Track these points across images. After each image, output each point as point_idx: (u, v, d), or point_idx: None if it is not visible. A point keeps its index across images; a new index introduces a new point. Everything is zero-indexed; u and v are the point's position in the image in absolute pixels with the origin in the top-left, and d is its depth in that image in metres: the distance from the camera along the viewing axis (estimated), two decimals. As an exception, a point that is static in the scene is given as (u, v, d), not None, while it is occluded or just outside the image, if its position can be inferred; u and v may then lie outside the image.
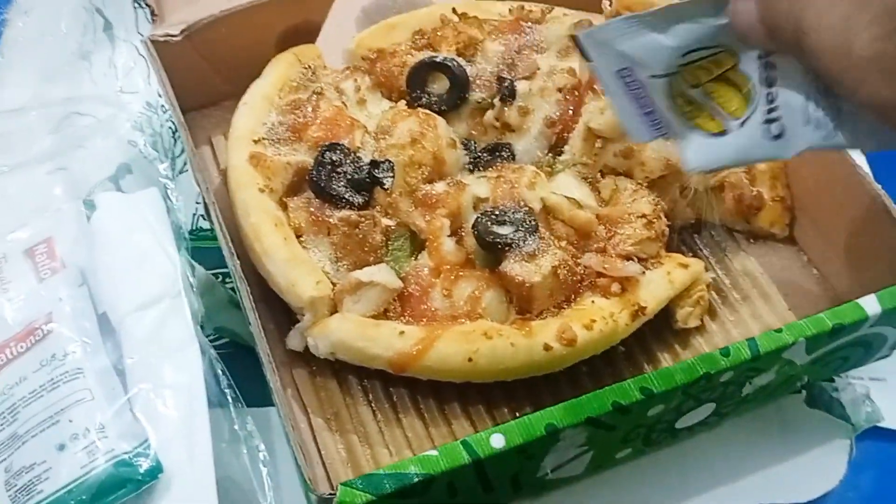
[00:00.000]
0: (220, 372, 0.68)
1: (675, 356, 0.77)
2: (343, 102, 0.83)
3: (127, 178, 0.85)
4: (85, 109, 0.88)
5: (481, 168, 0.81)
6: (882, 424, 0.80)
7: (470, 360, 0.69)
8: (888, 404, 0.80)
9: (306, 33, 0.91)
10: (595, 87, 0.82)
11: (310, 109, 0.81)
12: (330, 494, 0.59)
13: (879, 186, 0.76)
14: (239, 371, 0.73)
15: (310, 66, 0.86)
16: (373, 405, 0.73)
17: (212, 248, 0.78)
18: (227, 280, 0.80)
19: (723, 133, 0.57)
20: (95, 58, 0.96)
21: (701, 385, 0.65)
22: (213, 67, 0.89)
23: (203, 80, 0.89)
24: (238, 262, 0.70)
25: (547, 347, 0.70)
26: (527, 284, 0.71)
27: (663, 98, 0.57)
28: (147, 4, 0.94)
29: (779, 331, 0.67)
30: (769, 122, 0.56)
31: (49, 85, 0.91)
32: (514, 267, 0.72)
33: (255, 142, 0.80)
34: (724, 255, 0.83)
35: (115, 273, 0.71)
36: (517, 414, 0.73)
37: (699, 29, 0.55)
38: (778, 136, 0.56)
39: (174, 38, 0.84)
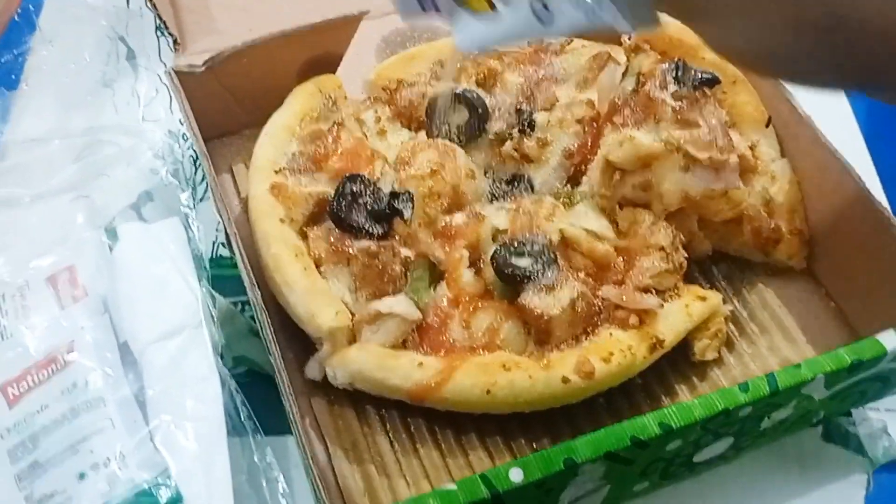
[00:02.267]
0: (239, 403, 0.69)
1: (693, 388, 0.77)
2: (363, 133, 0.84)
3: (148, 205, 0.85)
4: (107, 138, 0.89)
5: (500, 199, 0.82)
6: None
7: (488, 391, 0.70)
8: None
9: (327, 64, 0.92)
10: (614, 119, 0.83)
11: (330, 140, 0.82)
12: (349, 527, 0.59)
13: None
14: (258, 400, 0.74)
15: (331, 97, 0.87)
16: (390, 435, 0.74)
17: (232, 276, 0.78)
18: (247, 309, 0.80)
19: (492, 12, 0.56)
20: (118, 86, 0.97)
21: (720, 420, 0.65)
22: (234, 97, 0.90)
23: (225, 109, 0.90)
24: (258, 291, 0.71)
25: (565, 380, 0.70)
26: (545, 317, 0.72)
27: None
28: (170, 34, 0.96)
29: (798, 367, 0.67)
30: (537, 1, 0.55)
31: (71, 113, 0.92)
32: (532, 299, 0.72)
33: (276, 172, 0.81)
34: (741, 287, 0.83)
35: (137, 302, 0.72)
36: (534, 445, 0.73)
37: None
38: (545, 17, 0.55)
39: (198, 69, 0.85)
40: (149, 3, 0.96)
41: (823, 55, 0.47)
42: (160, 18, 0.95)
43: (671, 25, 0.86)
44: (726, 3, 0.49)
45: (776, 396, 0.66)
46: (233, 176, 0.89)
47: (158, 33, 1.00)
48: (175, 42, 0.96)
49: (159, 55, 1.00)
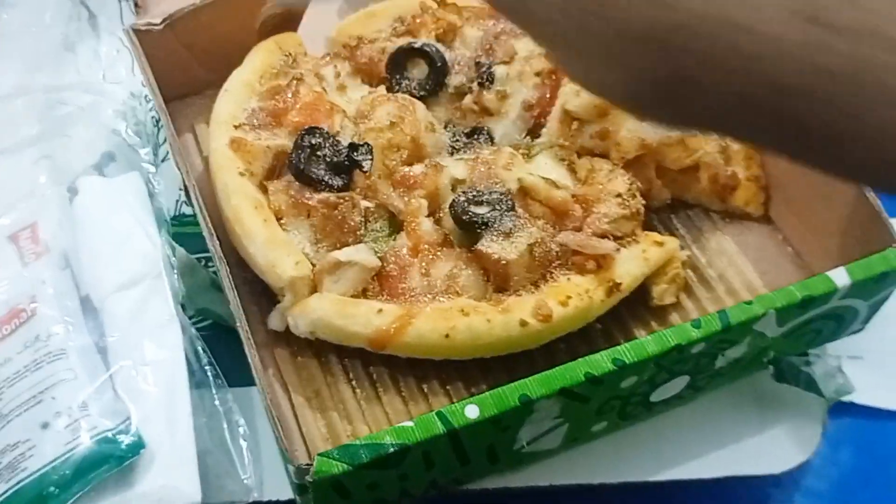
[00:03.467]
0: (200, 350, 0.70)
1: (652, 333, 0.77)
2: (323, 88, 0.84)
3: (111, 165, 0.86)
4: (69, 98, 0.89)
5: (460, 151, 0.82)
6: (859, 401, 0.81)
7: (447, 336, 0.70)
8: (866, 381, 0.81)
9: (288, 22, 0.92)
10: (571, 69, 0.83)
11: (290, 95, 0.82)
12: (307, 465, 0.60)
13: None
14: (222, 352, 0.75)
15: (290, 54, 0.88)
16: (353, 383, 0.74)
17: (194, 233, 0.78)
18: (209, 264, 0.81)
19: None
20: (80, 48, 0.97)
21: (673, 357, 0.66)
22: (194, 56, 0.90)
23: (185, 68, 0.90)
24: (219, 243, 0.71)
25: (523, 323, 0.71)
26: (503, 262, 0.73)
27: None
28: (131, -5, 0.96)
29: (749, 303, 0.68)
30: None
31: (34, 75, 0.92)
32: (490, 245, 0.73)
33: (236, 127, 0.81)
34: (700, 234, 0.84)
35: (98, 255, 0.73)
36: (495, 390, 0.74)
37: None
38: None
39: (156, 27, 0.86)
40: (109, -35, 0.96)
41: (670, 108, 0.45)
42: (120, -20, 0.95)
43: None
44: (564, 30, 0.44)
45: (729, 332, 0.67)
46: (195, 135, 0.90)
47: (120, -3, 1.00)
48: (136, 4, 0.96)
49: (121, 18, 1.00)
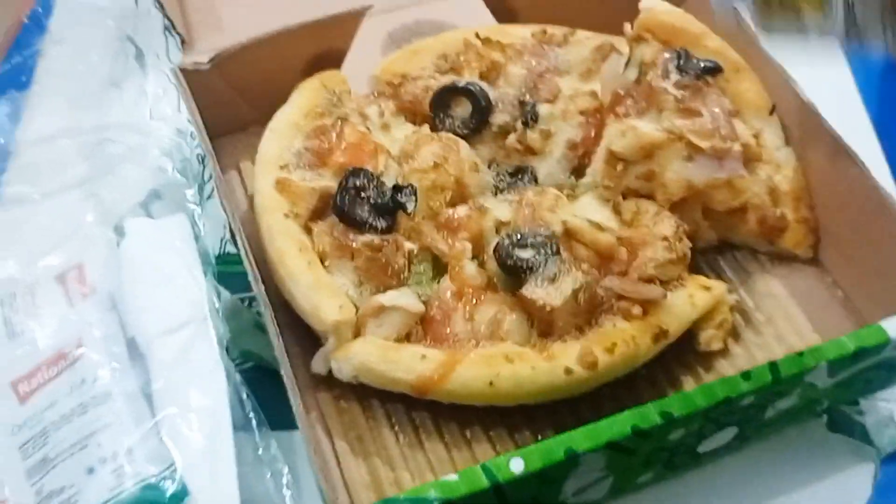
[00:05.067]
0: (244, 396, 0.70)
1: (698, 379, 0.77)
2: (367, 127, 0.84)
3: (157, 203, 0.86)
4: (116, 136, 0.90)
5: (504, 191, 0.82)
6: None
7: (491, 383, 0.70)
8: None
9: (332, 60, 0.93)
10: (617, 110, 0.83)
11: (334, 135, 0.82)
12: (351, 516, 0.59)
13: (903, 207, 0.75)
14: (265, 394, 0.75)
15: (335, 92, 0.88)
16: (395, 429, 0.74)
17: (239, 273, 0.78)
18: (254, 304, 0.81)
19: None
20: (126, 85, 0.98)
21: (721, 409, 0.65)
22: (240, 94, 0.90)
23: (231, 106, 0.90)
24: (263, 286, 0.71)
25: (568, 371, 0.70)
26: (547, 308, 0.72)
27: None
28: (177, 33, 0.96)
29: (800, 354, 0.66)
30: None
31: (81, 113, 0.93)
32: (534, 290, 0.73)
33: (282, 167, 0.81)
34: (747, 276, 0.83)
35: (144, 298, 0.73)
36: (539, 437, 0.73)
37: None
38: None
39: (203, 67, 0.86)
40: (156, 3, 0.97)
41: None
42: (167, 18, 0.96)
43: (674, 14, 0.88)
44: None
45: (779, 384, 0.66)
46: (240, 173, 0.90)
47: (166, 33, 1.01)
48: (182, 41, 0.97)
49: (167, 54, 1.01)
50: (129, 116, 0.95)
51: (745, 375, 0.65)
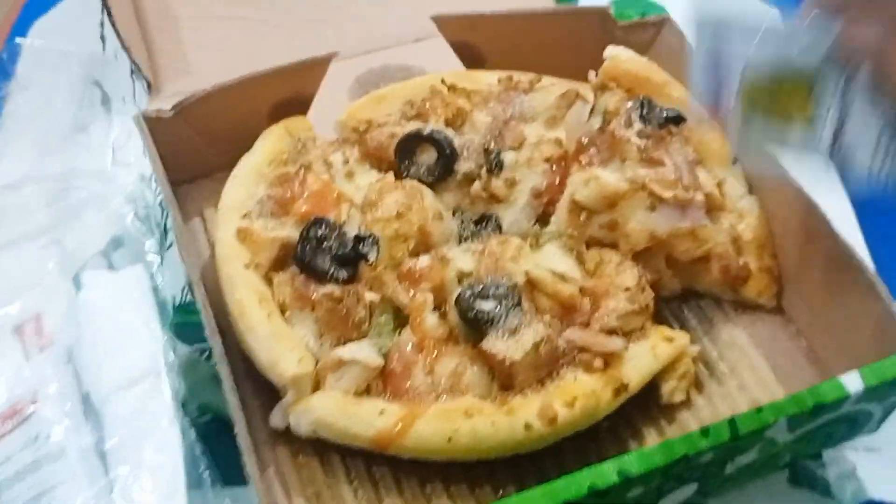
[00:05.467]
0: (199, 454, 0.69)
1: (661, 432, 0.76)
2: (331, 175, 0.84)
3: (119, 251, 0.86)
4: (80, 183, 0.89)
5: (468, 240, 0.82)
6: (876, 496, 0.79)
7: (450, 439, 0.69)
8: (883, 475, 0.79)
9: (298, 105, 0.93)
10: (580, 158, 0.83)
11: (297, 183, 0.82)
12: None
13: (863, 258, 0.75)
14: (223, 448, 0.73)
15: (300, 139, 0.88)
16: (354, 484, 0.73)
17: (200, 322, 0.78)
18: (213, 357, 0.80)
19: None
20: (92, 130, 0.97)
21: (681, 466, 0.65)
22: (205, 141, 0.90)
23: (195, 153, 0.90)
24: (219, 339, 0.71)
25: (528, 426, 0.70)
26: (507, 362, 0.71)
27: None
28: (144, 77, 0.96)
29: (759, 410, 0.66)
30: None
31: (46, 159, 0.93)
32: (494, 344, 0.72)
33: (244, 216, 0.81)
34: (711, 326, 0.83)
35: (100, 352, 0.72)
36: (500, 492, 0.72)
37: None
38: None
39: (166, 114, 0.86)
40: (123, 47, 0.97)
41: None
42: (133, 61, 0.96)
43: (637, 62, 0.88)
44: None
45: (738, 441, 0.65)
46: (203, 220, 0.90)
47: (133, 77, 1.01)
48: (149, 85, 0.97)
49: (134, 98, 1.00)
50: (94, 162, 0.94)
51: (704, 432, 0.65)
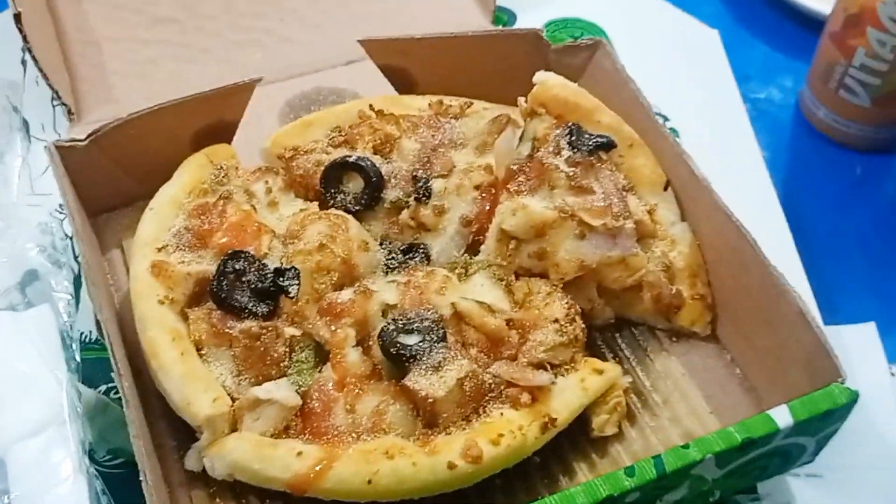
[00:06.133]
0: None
1: (592, 466, 0.74)
2: (252, 206, 0.81)
3: (34, 284, 0.82)
4: (-5, 217, 0.86)
5: (395, 270, 0.79)
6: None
7: (370, 481, 0.67)
8: (825, 501, 0.78)
9: (223, 132, 0.90)
10: (509, 186, 0.81)
11: (216, 214, 0.79)
12: None
13: (794, 287, 0.74)
14: (137, 495, 0.70)
15: (222, 168, 0.84)
16: (274, 528, 0.70)
17: (113, 361, 0.74)
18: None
19: None
20: (9, 158, 0.94)
21: (605, 507, 0.62)
22: (123, 170, 0.87)
23: (114, 182, 0.87)
24: (128, 380, 0.68)
25: (451, 466, 0.67)
26: (430, 399, 0.69)
27: None
28: (63, 103, 0.93)
29: (686, 447, 0.64)
30: None
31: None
32: (418, 381, 0.70)
33: (159, 249, 0.78)
34: (645, 354, 0.81)
35: (1, 400, 0.68)
36: (424, 533, 0.70)
37: None
38: None
39: (80, 143, 0.83)
40: (41, 72, 0.93)
41: None
42: (52, 88, 0.92)
43: (567, 87, 0.86)
44: None
45: (664, 479, 0.64)
46: (123, 252, 0.86)
47: (54, 103, 0.97)
48: (69, 112, 0.93)
49: (54, 125, 0.97)
50: (10, 191, 0.91)
51: (629, 471, 0.63)
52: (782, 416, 0.66)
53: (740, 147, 1.03)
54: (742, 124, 1.05)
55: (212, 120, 0.89)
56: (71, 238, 0.86)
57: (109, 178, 0.86)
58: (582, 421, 0.74)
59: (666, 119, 1.03)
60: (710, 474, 0.66)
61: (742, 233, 0.77)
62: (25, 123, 0.96)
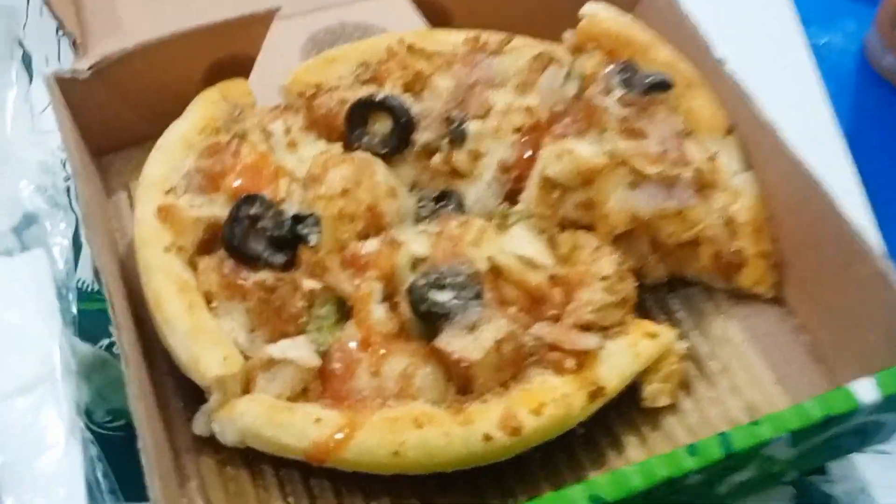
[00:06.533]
0: (101, 475, 0.59)
1: (643, 440, 0.67)
2: (270, 146, 0.74)
3: (32, 228, 0.75)
4: (-7, 150, 0.79)
5: (426, 220, 0.72)
6: (884, 502, 0.70)
7: (396, 453, 0.60)
8: (892, 478, 0.70)
9: (238, 67, 0.82)
10: (554, 129, 0.73)
11: (229, 155, 0.72)
12: None
13: (877, 245, 0.66)
14: (137, 458, 0.64)
15: (237, 105, 0.77)
16: (290, 500, 0.64)
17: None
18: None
19: None
20: (10, 93, 0.87)
21: (664, 489, 0.55)
22: (130, 106, 0.80)
23: (120, 119, 0.80)
24: (128, 334, 0.61)
25: (487, 437, 0.60)
26: (463, 363, 0.62)
27: None
28: (68, 33, 0.85)
29: (756, 423, 0.57)
30: None
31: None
32: (451, 341, 0.63)
33: (167, 192, 0.71)
34: (701, 318, 0.74)
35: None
36: (455, 510, 0.63)
37: None
38: None
39: (82, 75, 0.76)
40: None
41: None
42: (56, 16, 0.85)
43: (618, 21, 0.78)
44: None
45: (731, 460, 0.56)
46: (129, 195, 0.80)
47: (59, 34, 0.90)
48: (74, 42, 0.86)
49: (59, 58, 0.90)
50: (12, 127, 0.84)
51: (691, 450, 0.56)
52: (867, 391, 0.58)
53: (804, 95, 0.95)
54: (806, 71, 0.97)
55: (226, 53, 0.81)
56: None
57: (115, 115, 0.80)
58: (631, 389, 0.67)
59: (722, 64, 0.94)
60: (782, 454, 0.59)
61: (815, 183, 0.69)
62: (27, 56, 0.89)
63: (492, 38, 0.81)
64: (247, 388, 0.64)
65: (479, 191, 0.74)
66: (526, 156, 0.73)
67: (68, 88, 0.75)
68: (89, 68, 0.76)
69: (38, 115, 0.85)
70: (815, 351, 0.71)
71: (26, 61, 0.90)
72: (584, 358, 0.64)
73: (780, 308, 0.74)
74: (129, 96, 0.79)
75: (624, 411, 0.68)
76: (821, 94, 0.95)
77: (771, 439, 0.56)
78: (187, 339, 0.63)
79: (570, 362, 0.64)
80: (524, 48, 0.80)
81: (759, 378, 0.70)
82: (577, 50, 0.77)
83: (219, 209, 0.70)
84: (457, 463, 0.61)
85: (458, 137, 0.74)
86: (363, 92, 0.77)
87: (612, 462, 0.66)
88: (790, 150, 0.70)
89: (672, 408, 0.68)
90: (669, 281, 0.75)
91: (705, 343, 0.72)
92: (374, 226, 0.70)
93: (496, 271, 0.67)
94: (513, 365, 0.64)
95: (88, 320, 0.69)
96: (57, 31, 0.91)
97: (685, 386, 0.69)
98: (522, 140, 0.74)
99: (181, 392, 0.67)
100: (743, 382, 0.70)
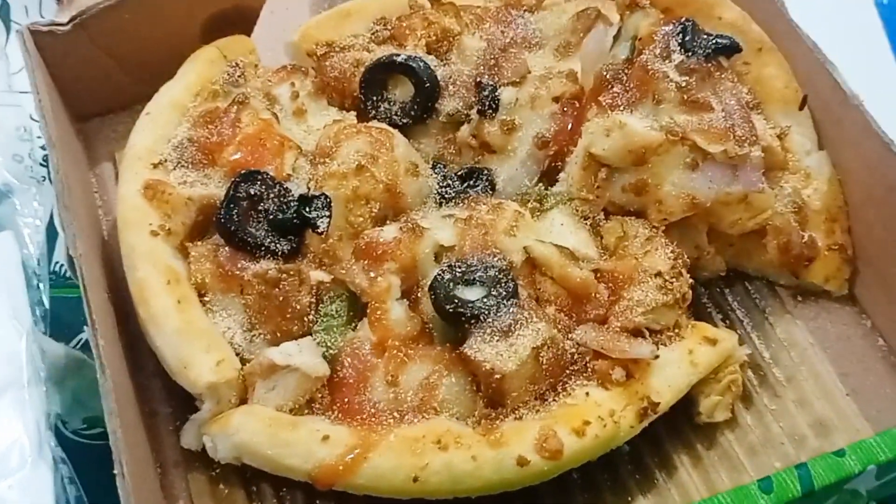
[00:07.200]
0: (73, 498, 0.51)
1: (697, 460, 0.60)
2: (274, 114, 0.66)
3: (4, 204, 0.67)
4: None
5: (451, 201, 0.63)
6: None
7: (416, 478, 0.52)
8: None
9: (241, 22, 0.74)
10: (600, 98, 0.64)
11: (228, 123, 0.63)
12: None
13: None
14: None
15: (238, 64, 0.69)
16: (291, 524, 0.56)
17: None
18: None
19: None
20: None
21: (730, 533, 0.47)
22: (118, 64, 0.72)
23: (106, 79, 0.73)
24: (102, 340, 0.54)
25: (522, 461, 0.53)
26: (496, 374, 0.53)
27: None
28: (49, -20, 0.77)
29: (840, 453, 0.49)
30: None
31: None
32: (481, 348, 0.55)
33: (155, 165, 0.63)
34: (763, 318, 0.66)
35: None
36: (482, 542, 0.55)
37: None
38: None
39: (61, 28, 0.67)
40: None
41: None
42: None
43: (678, -26, 0.68)
44: None
45: (811, 497, 0.48)
46: (115, 165, 0.71)
47: (41, -18, 0.81)
48: (58, -7, 0.78)
49: (40, 11, 0.81)
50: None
51: (766, 486, 0.48)
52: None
53: (875, 59, 0.85)
54: (877, 33, 0.87)
55: (227, 5, 0.73)
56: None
57: (101, 74, 0.72)
58: (685, 401, 0.59)
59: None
60: (866, 486, 0.51)
61: (904, 167, 0.60)
62: (5, 6, 0.80)
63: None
64: (243, 396, 0.56)
65: (512, 169, 0.66)
66: (567, 129, 0.66)
67: (46, 44, 0.67)
68: (70, 21, 0.67)
69: (15, 74, 0.76)
70: (892, 357, 0.64)
71: (3, 12, 0.81)
72: (634, 367, 0.57)
73: (852, 307, 0.67)
74: (116, 53, 0.71)
75: (675, 425, 0.61)
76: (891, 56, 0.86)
77: (857, 473, 0.48)
78: (176, 340, 0.56)
79: (618, 373, 0.56)
80: (566, 3, 0.72)
81: (828, 389, 0.63)
82: (630, 7, 0.69)
83: (214, 187, 0.62)
84: (486, 489, 0.54)
85: (489, 107, 0.66)
86: (381, 52, 0.69)
87: (661, 486, 0.59)
88: (876, 127, 0.61)
89: (730, 422, 0.61)
90: (727, 275, 0.67)
91: (767, 348, 0.65)
92: (393, 208, 0.63)
93: (533, 264, 0.59)
94: (552, 375, 0.56)
95: (64, 308, 0.62)
96: (39, -22, 0.82)
97: (744, 398, 0.62)
98: (563, 111, 0.66)
99: (170, 397, 0.60)
100: (810, 394, 0.63)
